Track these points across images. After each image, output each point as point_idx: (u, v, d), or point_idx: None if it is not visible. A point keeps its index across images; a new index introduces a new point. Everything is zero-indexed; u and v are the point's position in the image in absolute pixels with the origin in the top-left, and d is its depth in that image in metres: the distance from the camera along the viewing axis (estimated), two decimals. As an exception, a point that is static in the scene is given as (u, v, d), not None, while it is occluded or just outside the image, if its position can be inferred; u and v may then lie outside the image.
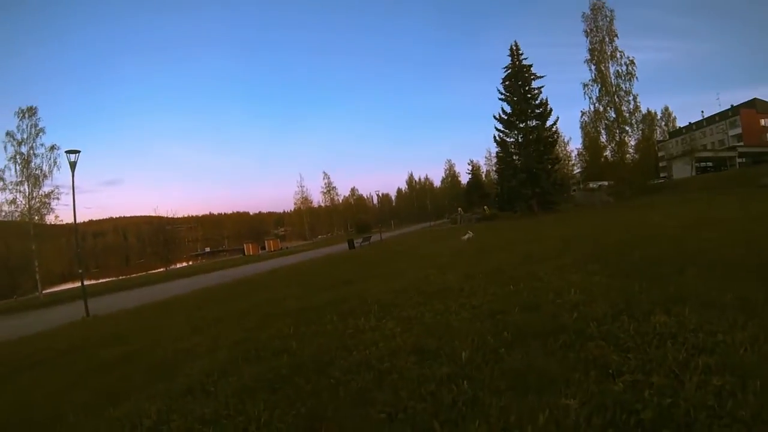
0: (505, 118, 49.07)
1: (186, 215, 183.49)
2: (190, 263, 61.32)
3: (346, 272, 13.80)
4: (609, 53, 47.57)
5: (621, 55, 47.09)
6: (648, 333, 3.80)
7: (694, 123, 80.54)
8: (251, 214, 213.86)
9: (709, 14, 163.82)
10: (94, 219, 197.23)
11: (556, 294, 5.86)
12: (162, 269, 43.92)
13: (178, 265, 54.45)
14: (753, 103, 69.92)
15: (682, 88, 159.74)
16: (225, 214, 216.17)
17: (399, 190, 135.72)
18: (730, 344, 3.35)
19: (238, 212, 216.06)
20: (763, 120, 69.34)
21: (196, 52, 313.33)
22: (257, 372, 4.39)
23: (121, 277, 40.05)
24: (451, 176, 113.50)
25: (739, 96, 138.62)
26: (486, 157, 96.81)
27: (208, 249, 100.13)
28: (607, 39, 47.56)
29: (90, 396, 4.97)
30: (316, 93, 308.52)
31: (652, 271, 6.50)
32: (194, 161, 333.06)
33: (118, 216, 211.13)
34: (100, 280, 40.81)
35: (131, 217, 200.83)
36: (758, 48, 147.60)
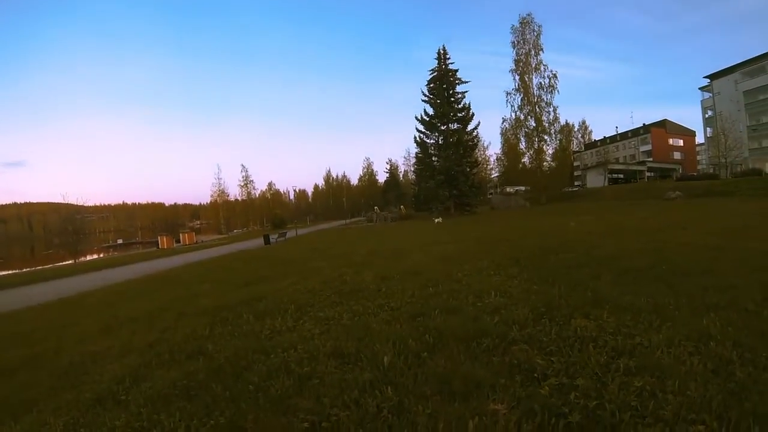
0: (427, 119, 51.24)
1: (98, 204, 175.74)
2: (102, 255, 56.45)
3: (261, 269, 13.64)
4: (534, 65, 52.26)
5: (545, 68, 52.23)
6: (570, 336, 4.06)
7: (608, 137, 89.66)
8: (167, 205, 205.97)
9: (630, 41, 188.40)
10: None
11: (476, 297, 6.09)
12: (71, 262, 40.00)
13: (89, 257, 50.65)
14: (663, 124, 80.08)
15: (599, 104, 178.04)
16: (139, 204, 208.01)
17: (316, 187, 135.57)
18: (647, 346, 3.67)
19: (153, 203, 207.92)
20: (671, 139, 79.20)
21: (117, 26, 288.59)
22: (172, 378, 4.21)
23: (25, 270, 35.52)
24: (369, 174, 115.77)
25: (651, 116, 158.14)
26: (405, 158, 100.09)
27: (120, 241, 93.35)
28: (533, 52, 52.32)
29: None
30: (240, 84, 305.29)
31: (570, 275, 7.00)
32: (108, 145, 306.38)
33: (22, 202, 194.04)
34: (1, 273, 35.85)
35: (37, 204, 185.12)
36: (670, 75, 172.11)
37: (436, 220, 33.00)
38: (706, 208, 21.89)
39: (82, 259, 45.27)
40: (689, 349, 3.53)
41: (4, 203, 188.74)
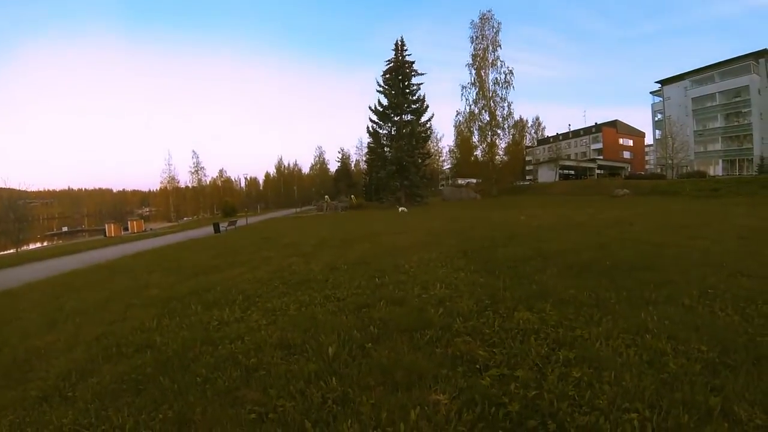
0: (381, 110, 51.55)
1: (41, 189, 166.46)
2: (46, 244, 54.07)
3: (210, 258, 13.56)
4: (490, 61, 53.33)
5: (501, 64, 53.19)
6: (512, 329, 4.21)
7: (561, 134, 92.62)
8: (114, 191, 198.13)
9: (587, 42, 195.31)
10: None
11: (422, 288, 6.21)
12: (13, 251, 37.42)
13: (32, 246, 48.21)
14: (614, 123, 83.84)
15: (554, 101, 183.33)
16: (85, 189, 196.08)
17: (267, 175, 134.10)
18: (587, 339, 3.85)
19: (99, 189, 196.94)
20: (621, 139, 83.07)
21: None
22: (120, 372, 4.21)
23: None
24: (321, 163, 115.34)
25: (603, 115, 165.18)
26: (357, 147, 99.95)
27: (65, 228, 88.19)
28: (490, 48, 53.33)
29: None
30: (192, 67, 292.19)
31: (516, 268, 7.24)
32: (52, 128, 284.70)
33: None
34: None
35: None
36: (623, 78, 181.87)
37: (401, 209, 33.22)
38: (651, 206, 23.08)
39: (25, 248, 42.88)
40: (626, 342, 3.73)
41: None
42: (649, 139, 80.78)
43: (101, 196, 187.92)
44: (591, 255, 8.19)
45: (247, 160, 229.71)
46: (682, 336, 3.78)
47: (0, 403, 3.92)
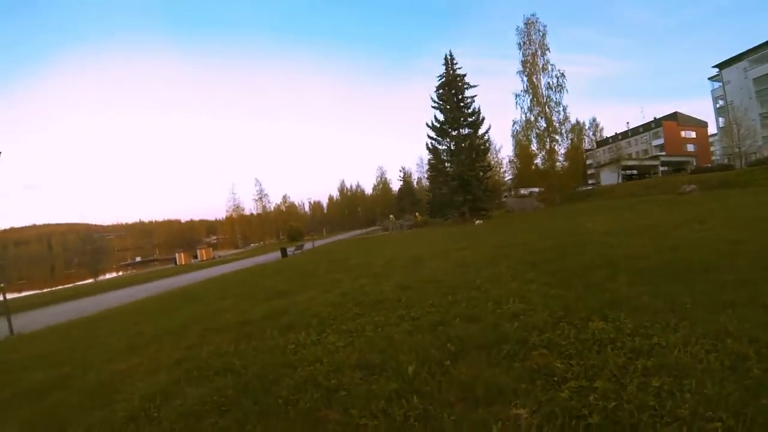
0: (438, 125, 51.27)
1: (114, 223, 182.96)
2: (121, 273, 57.16)
3: (280, 283, 13.69)
4: (541, 66, 52.27)
5: (552, 68, 52.09)
6: (588, 339, 4.15)
7: (620, 133, 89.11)
8: (182, 221, 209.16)
9: (636, 36, 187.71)
10: (15, 227, 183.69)
11: (495, 303, 6.17)
12: (91, 281, 40.53)
13: (108, 276, 51.02)
14: (674, 116, 79.28)
15: (609, 100, 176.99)
16: (155, 221, 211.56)
17: (330, 198, 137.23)
18: (665, 346, 3.74)
19: (168, 220, 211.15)
20: (683, 132, 78.44)
21: (118, 47, 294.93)
22: (202, 394, 4.30)
23: (46, 290, 36.15)
24: (383, 183, 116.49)
25: (662, 109, 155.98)
26: (418, 165, 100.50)
27: (138, 258, 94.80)
28: (539, 52, 52.37)
29: (19, 429, 4.49)
30: (252, 98, 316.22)
31: (586, 277, 7.05)
32: (123, 164, 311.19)
33: (41, 223, 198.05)
34: (23, 293, 36.43)
35: (56, 225, 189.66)
36: (679, 67, 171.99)
37: (477, 222, 33.28)
38: (721, 201, 21.54)
39: (102, 277, 45.64)
40: (706, 347, 3.59)
41: (23, 225, 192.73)
42: (712, 129, 75.96)
43: (170, 226, 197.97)
44: (662, 259, 7.86)
45: (310, 185, 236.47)
46: (765, 339, 3.59)
47: (89, 423, 4.09)
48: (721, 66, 59.77)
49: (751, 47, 54.71)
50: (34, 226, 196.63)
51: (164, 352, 6.65)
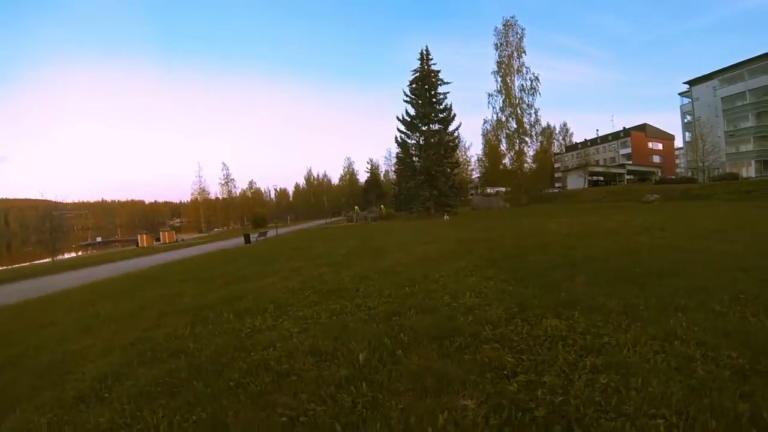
0: (409, 120, 51.43)
1: (77, 201, 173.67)
2: (81, 253, 55.33)
3: (241, 268, 13.65)
4: (516, 68, 53.09)
5: (527, 71, 52.92)
6: (540, 336, 4.21)
7: (589, 140, 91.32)
8: (146, 203, 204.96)
9: (612, 47, 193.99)
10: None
11: (451, 297, 6.23)
12: (49, 260, 38.85)
13: (67, 255, 49.11)
14: (643, 127, 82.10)
15: (581, 107, 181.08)
16: (119, 201, 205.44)
17: (297, 186, 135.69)
18: (615, 345, 3.82)
19: (132, 200, 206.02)
20: (650, 143, 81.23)
21: (99, 22, 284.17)
22: (154, 375, 4.27)
23: (1, 268, 34.34)
24: (350, 174, 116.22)
25: (631, 120, 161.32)
26: (386, 158, 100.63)
27: (99, 239, 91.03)
28: (515, 54, 53.11)
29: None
30: (221, 82, 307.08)
31: (545, 276, 7.18)
32: (88, 142, 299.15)
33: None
34: None
35: (15, 200, 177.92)
36: (651, 81, 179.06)
37: (446, 217, 33.46)
38: (682, 211, 22.45)
39: (61, 257, 44.14)
40: (655, 348, 3.69)
41: None
42: (679, 142, 78.81)
43: (134, 207, 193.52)
44: (620, 262, 8.06)
45: (277, 172, 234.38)
46: (711, 342, 3.71)
47: (38, 402, 4.02)
48: (692, 83, 62.04)
49: (722, 67, 57.12)
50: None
51: (119, 333, 6.53)
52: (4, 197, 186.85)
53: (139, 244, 53.30)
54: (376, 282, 8.12)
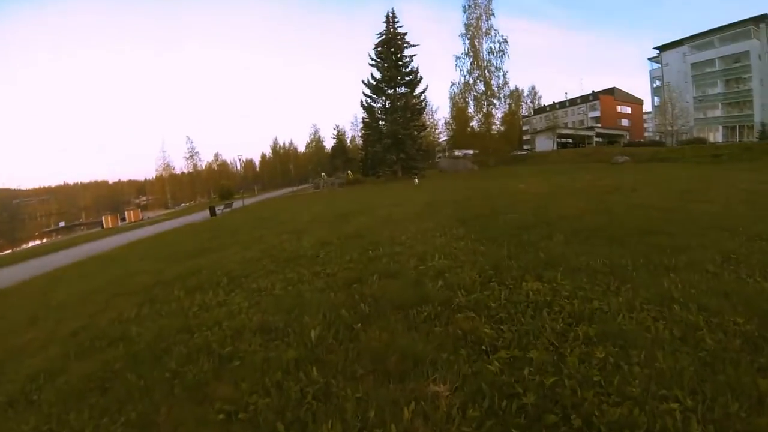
0: (374, 83, 50.15)
1: (37, 187, 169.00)
2: (44, 240, 53.92)
3: (203, 241, 13.27)
4: (484, 30, 51.55)
5: (495, 33, 51.54)
6: (521, 302, 3.73)
7: (558, 102, 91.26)
8: (110, 183, 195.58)
9: (582, 8, 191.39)
10: None
11: (419, 260, 5.71)
12: (8, 251, 36.97)
13: (31, 244, 47.59)
14: (612, 91, 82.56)
15: (549, 69, 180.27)
16: (81, 183, 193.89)
17: (263, 155, 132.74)
18: (607, 312, 3.38)
19: (95, 182, 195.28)
20: (619, 107, 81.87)
21: None
22: (88, 370, 3.92)
23: None
24: (316, 141, 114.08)
25: (600, 83, 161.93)
26: (352, 123, 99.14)
27: (62, 223, 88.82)
28: (484, 17, 51.46)
29: None
30: (181, 50, 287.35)
31: (520, 236, 6.71)
32: (43, 124, 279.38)
33: None
34: None
35: None
36: (620, 44, 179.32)
37: (415, 181, 32.25)
38: (652, 173, 22.48)
39: (23, 246, 42.52)
40: (653, 314, 3.28)
41: None
42: (647, 107, 79.85)
43: (97, 188, 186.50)
44: (597, 220, 7.72)
45: (243, 142, 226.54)
46: (713, 306, 3.32)
47: None
48: (662, 48, 62.28)
49: (692, 34, 57.49)
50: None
51: (64, 322, 6.23)
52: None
53: (105, 226, 52.80)
54: (338, 247, 7.63)
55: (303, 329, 3.71)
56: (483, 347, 2.97)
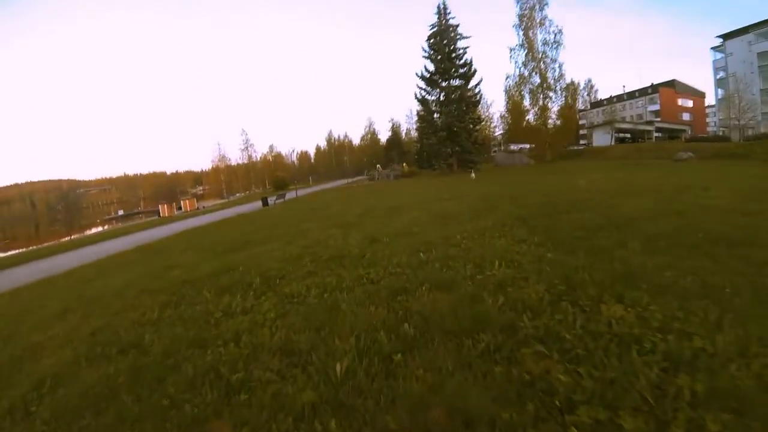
0: (428, 76, 48.83)
1: (99, 177, 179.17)
2: (106, 227, 56.29)
3: (248, 233, 12.76)
4: (538, 21, 49.22)
5: (550, 23, 49.01)
6: (602, 333, 2.88)
7: (615, 96, 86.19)
8: (168, 173, 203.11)
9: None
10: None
11: (476, 266, 4.87)
12: (68, 238, 39.13)
13: (92, 231, 49.81)
14: (672, 83, 76.45)
15: (606, 61, 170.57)
16: (140, 174, 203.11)
17: (318, 148, 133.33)
18: (712, 354, 2.51)
19: (154, 172, 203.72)
20: (680, 100, 75.95)
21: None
22: (92, 381, 3.48)
23: (22, 250, 34.59)
24: (371, 134, 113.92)
25: (660, 75, 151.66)
26: (407, 116, 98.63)
27: (121, 212, 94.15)
28: (537, 6, 49.02)
29: None
30: (237, 48, 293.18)
31: (589, 240, 5.76)
32: (106, 118, 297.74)
33: (23, 182, 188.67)
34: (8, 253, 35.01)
35: (38, 183, 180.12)
36: (680, 33, 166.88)
37: (472, 176, 30.62)
38: (722, 171, 20.26)
39: (80, 234, 44.73)
40: (777, 364, 2.36)
41: (4, 185, 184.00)
42: (710, 100, 73.97)
43: (156, 179, 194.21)
44: (672, 224, 6.62)
45: (298, 135, 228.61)
46: None
47: None
48: (725, 37, 56.93)
49: (759, 20, 52.05)
50: (16, 185, 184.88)
51: (89, 319, 5.80)
52: (28, 180, 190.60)
53: (161, 214, 54.46)
54: (387, 246, 6.86)
55: (330, 356, 3.04)
56: (557, 402, 2.18)
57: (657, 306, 3.25)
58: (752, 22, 53.03)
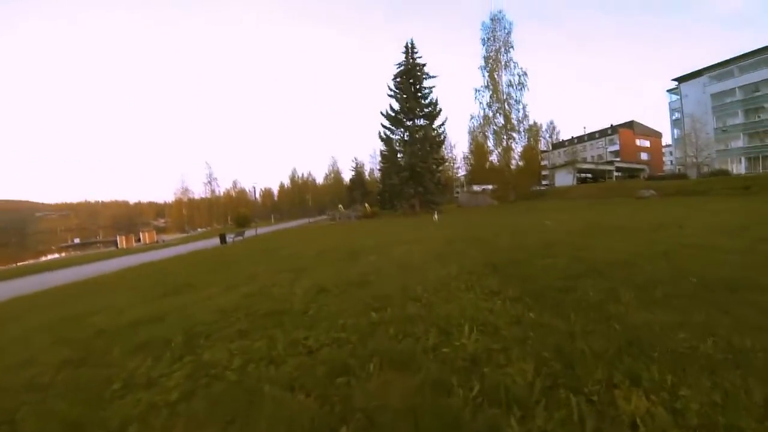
0: (393, 115, 49.20)
1: (59, 202, 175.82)
2: (58, 255, 53.91)
3: (195, 274, 11.83)
4: (503, 63, 50.94)
5: (515, 66, 50.88)
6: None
7: (576, 137, 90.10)
8: (131, 203, 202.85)
9: (598, 42, 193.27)
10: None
11: (440, 332, 3.93)
12: (13, 265, 36.82)
13: (45, 258, 48.09)
14: (631, 124, 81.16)
15: (567, 103, 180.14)
16: (102, 202, 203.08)
17: (281, 185, 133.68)
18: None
19: (116, 201, 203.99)
20: (638, 140, 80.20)
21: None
22: None
23: None
24: (335, 173, 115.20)
25: (619, 117, 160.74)
26: (371, 156, 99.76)
27: (77, 240, 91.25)
28: (503, 49, 51.01)
29: None
30: (206, 81, 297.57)
31: (573, 293, 5.00)
32: (70, 142, 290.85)
33: None
34: None
35: None
36: (638, 77, 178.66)
37: (435, 217, 29.54)
38: (686, 207, 20.39)
39: (35, 260, 42.52)
40: None
41: None
42: (666, 139, 77.91)
43: (118, 207, 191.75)
44: (659, 268, 6.06)
45: (262, 172, 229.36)
46: None
47: None
48: (680, 79, 60.57)
49: (711, 64, 55.90)
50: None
51: None
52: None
53: (119, 246, 52.72)
54: (336, 299, 5.87)
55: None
56: None
57: (687, 389, 2.45)
58: (706, 66, 56.87)
